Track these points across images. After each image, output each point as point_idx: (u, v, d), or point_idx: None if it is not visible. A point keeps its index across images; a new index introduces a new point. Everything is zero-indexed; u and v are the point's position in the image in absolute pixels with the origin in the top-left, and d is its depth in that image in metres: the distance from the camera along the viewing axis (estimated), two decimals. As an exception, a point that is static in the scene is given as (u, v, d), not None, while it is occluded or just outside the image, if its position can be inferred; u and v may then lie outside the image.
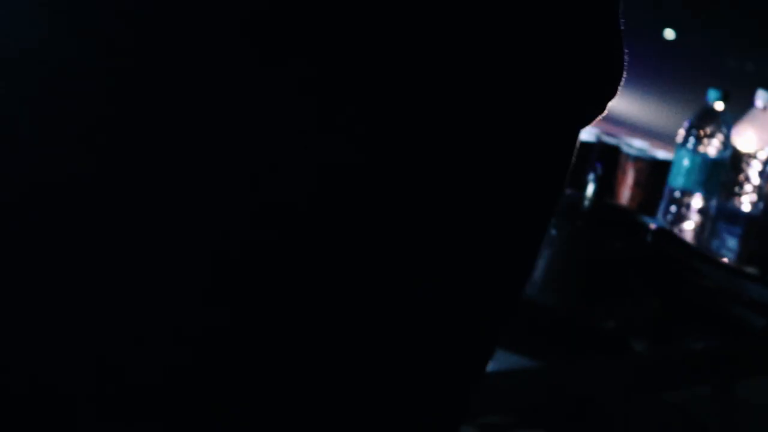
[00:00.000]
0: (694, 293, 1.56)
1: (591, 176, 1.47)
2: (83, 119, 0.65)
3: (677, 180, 1.95)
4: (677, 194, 1.95)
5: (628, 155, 2.17)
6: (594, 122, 0.68)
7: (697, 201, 1.94)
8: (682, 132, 1.96)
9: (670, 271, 1.56)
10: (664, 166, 2.06)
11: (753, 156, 1.98)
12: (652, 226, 1.50)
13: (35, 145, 0.65)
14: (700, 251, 1.82)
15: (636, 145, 2.27)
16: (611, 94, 0.69)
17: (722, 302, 1.56)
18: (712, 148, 1.92)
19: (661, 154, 2.19)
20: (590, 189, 1.47)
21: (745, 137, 1.99)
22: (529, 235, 0.72)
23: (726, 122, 1.94)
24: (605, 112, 0.71)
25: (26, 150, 0.65)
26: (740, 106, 2.08)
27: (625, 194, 2.15)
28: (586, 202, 1.47)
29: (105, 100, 0.64)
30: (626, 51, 0.73)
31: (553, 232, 1.44)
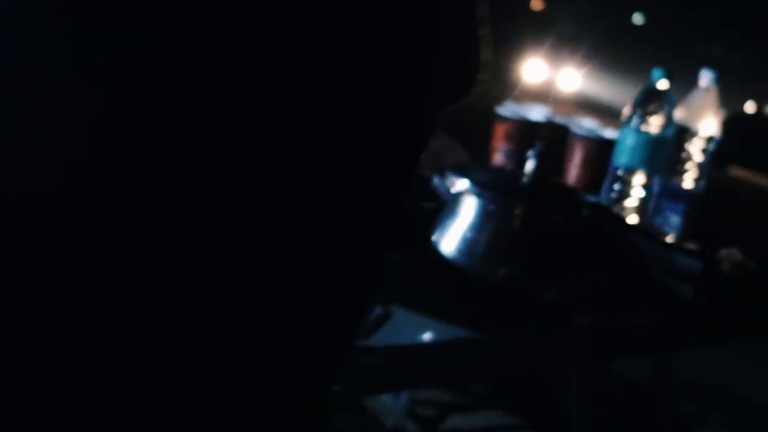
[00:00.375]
0: (628, 265, 1.60)
1: (531, 153, 1.51)
2: (82, 119, 0.65)
3: (621, 158, 1.99)
4: (621, 172, 1.99)
5: (576, 135, 2.21)
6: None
7: (640, 178, 1.98)
8: (626, 111, 1.99)
9: (607, 244, 1.60)
10: (610, 145, 2.10)
11: (695, 134, 2.02)
12: (589, 201, 1.53)
13: (35, 145, 0.65)
14: (633, 225, 1.86)
15: (585, 125, 2.30)
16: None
17: (654, 273, 1.61)
18: (654, 126, 1.96)
19: (609, 133, 2.23)
20: (530, 166, 1.51)
21: (688, 115, 2.03)
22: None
23: (669, 101, 1.98)
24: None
25: (26, 150, 0.65)
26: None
27: (573, 173, 2.19)
28: (525, 179, 1.51)
29: (104, 100, 0.65)
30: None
31: (492, 207, 1.48)
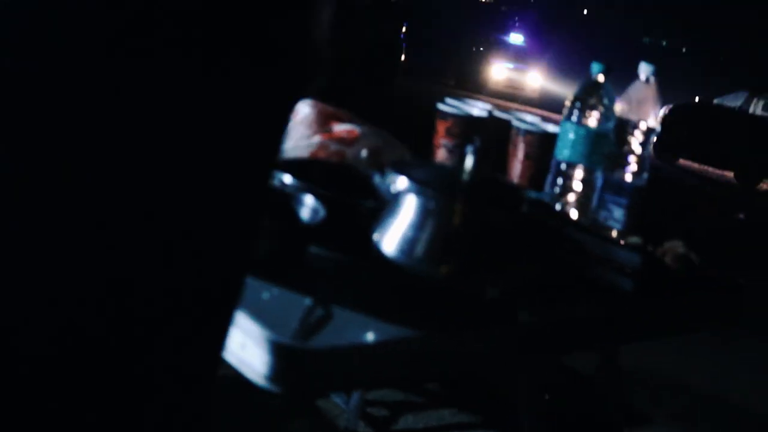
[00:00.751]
0: (569, 260, 1.60)
1: (469, 149, 1.50)
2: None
3: (563, 152, 1.99)
4: (563, 166, 1.99)
5: (518, 129, 2.20)
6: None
7: (580, 172, 1.98)
8: (566, 105, 1.99)
9: (547, 240, 1.60)
10: (553, 140, 2.09)
11: (636, 127, 2.03)
12: (529, 197, 1.53)
13: None
14: (574, 220, 1.86)
15: (527, 119, 2.30)
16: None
17: (595, 268, 1.61)
18: (594, 120, 1.96)
19: (551, 127, 2.23)
20: (469, 162, 1.50)
21: (628, 108, 2.04)
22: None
23: (609, 94, 1.98)
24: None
25: None
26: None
27: (516, 168, 2.19)
28: (465, 175, 1.50)
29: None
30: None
31: (432, 204, 1.47)
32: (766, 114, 17.75)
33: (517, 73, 20.93)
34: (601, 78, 1.96)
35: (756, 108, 17.88)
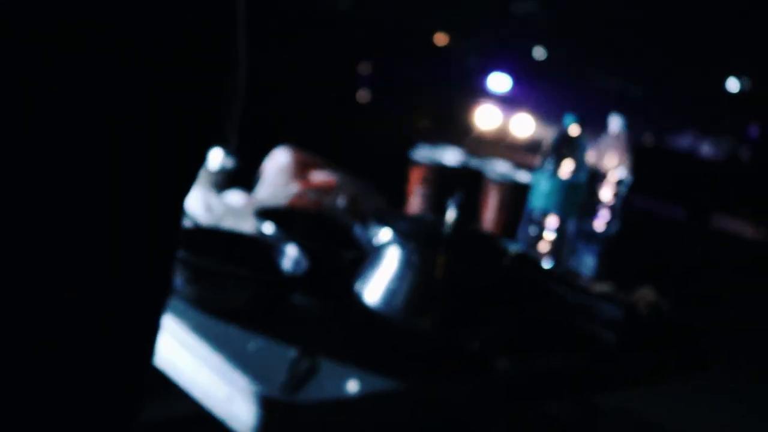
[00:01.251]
0: (551, 313, 1.63)
1: (452, 202, 1.53)
2: None
3: (536, 202, 2.02)
4: (536, 216, 2.03)
5: (491, 179, 2.24)
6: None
7: (554, 221, 2.01)
8: (539, 156, 2.03)
9: (530, 293, 1.62)
10: (525, 189, 2.13)
11: (606, 177, 2.07)
12: (512, 250, 1.56)
13: None
14: (556, 274, 1.89)
15: (499, 169, 2.34)
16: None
17: (578, 321, 1.64)
18: (567, 171, 2.00)
19: (523, 176, 2.27)
20: (451, 214, 1.52)
21: (601, 159, 2.08)
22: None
23: (582, 145, 2.02)
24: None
25: None
26: (600, 126, 2.18)
27: (488, 217, 2.22)
28: (447, 228, 1.52)
29: None
30: None
31: (415, 257, 1.49)
32: (713, 154, 18.08)
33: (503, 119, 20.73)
34: (574, 130, 2.00)
35: (703, 148, 18.20)
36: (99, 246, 0.80)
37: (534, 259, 1.93)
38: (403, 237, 1.50)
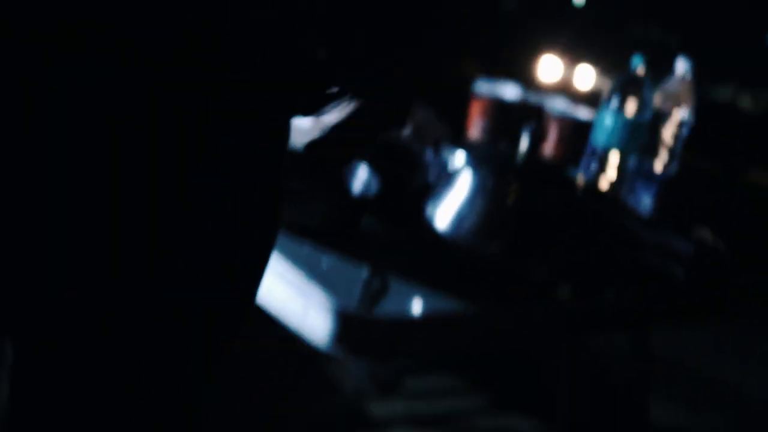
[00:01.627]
0: (620, 246, 1.65)
1: (525, 132, 1.54)
2: None
3: (599, 139, 2.04)
4: (598, 152, 2.04)
5: (551, 115, 2.26)
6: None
7: (615, 159, 2.03)
8: (605, 93, 2.04)
9: (599, 224, 1.64)
10: (585, 126, 2.15)
11: (669, 119, 2.08)
12: (581, 181, 1.57)
13: None
14: (625, 207, 1.91)
15: (558, 106, 2.35)
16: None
17: (647, 254, 1.66)
18: (632, 109, 2.01)
19: (582, 113, 2.28)
20: (524, 145, 1.54)
21: (663, 101, 2.09)
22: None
23: (647, 86, 2.03)
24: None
25: None
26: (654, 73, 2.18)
27: (547, 152, 2.24)
28: (520, 156, 1.54)
29: None
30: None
31: (487, 183, 1.51)
32: (752, 108, 17.85)
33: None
34: (641, 70, 2.01)
35: (743, 102, 17.98)
36: (99, 246, 0.80)
37: (604, 192, 1.95)
38: (477, 162, 1.52)
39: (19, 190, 0.77)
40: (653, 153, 2.08)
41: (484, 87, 2.30)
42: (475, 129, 2.27)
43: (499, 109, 2.23)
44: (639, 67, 2.01)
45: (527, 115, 2.28)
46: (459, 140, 1.67)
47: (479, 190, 1.52)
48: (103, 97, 0.76)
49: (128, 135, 0.78)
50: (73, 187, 0.77)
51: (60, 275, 0.80)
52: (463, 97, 2.35)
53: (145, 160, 0.79)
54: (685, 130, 2.09)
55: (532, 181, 1.53)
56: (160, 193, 0.81)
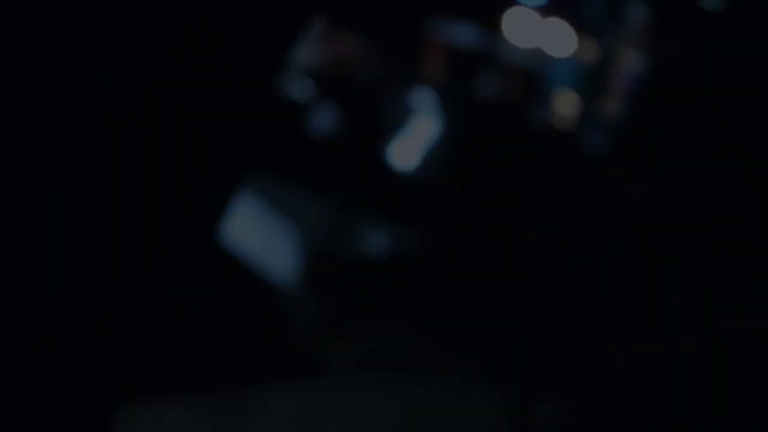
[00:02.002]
0: (575, 181, 1.69)
1: (482, 72, 1.57)
2: None
3: (556, 80, 2.07)
4: (555, 94, 2.08)
5: (509, 59, 2.28)
6: None
7: (572, 101, 2.07)
8: (562, 39, 2.07)
9: (555, 161, 1.68)
10: (542, 68, 2.18)
11: (621, 62, 2.11)
12: (539, 122, 1.61)
13: None
14: (581, 147, 1.95)
15: (517, 50, 2.37)
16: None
17: (600, 190, 1.70)
18: (589, 53, 2.04)
19: (540, 57, 2.31)
20: (482, 87, 1.57)
21: (621, 44, 2.12)
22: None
23: (604, 30, 2.06)
24: None
25: None
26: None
27: (507, 92, 2.27)
28: (476, 95, 1.57)
29: None
30: None
31: (450, 122, 1.54)
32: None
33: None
34: (599, 14, 2.04)
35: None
36: (99, 246, 0.82)
37: (561, 130, 1.98)
38: (437, 104, 1.55)
39: (19, 191, 0.77)
40: (607, 95, 2.11)
41: (441, 27, 2.31)
42: (431, 68, 2.29)
43: (456, 53, 2.25)
44: (597, 10, 2.04)
45: (485, 60, 2.31)
46: (414, 81, 1.69)
47: (439, 128, 1.54)
48: (103, 97, 0.77)
49: (128, 135, 0.78)
50: (73, 187, 0.78)
51: (60, 275, 0.81)
52: (413, 32, 2.35)
53: (145, 160, 0.80)
54: (640, 73, 2.13)
55: (491, 119, 1.56)
56: (160, 193, 0.82)
